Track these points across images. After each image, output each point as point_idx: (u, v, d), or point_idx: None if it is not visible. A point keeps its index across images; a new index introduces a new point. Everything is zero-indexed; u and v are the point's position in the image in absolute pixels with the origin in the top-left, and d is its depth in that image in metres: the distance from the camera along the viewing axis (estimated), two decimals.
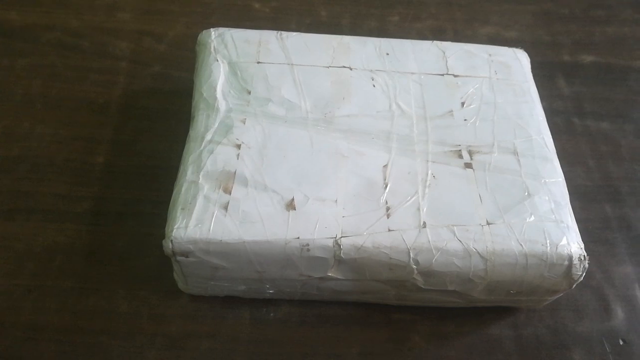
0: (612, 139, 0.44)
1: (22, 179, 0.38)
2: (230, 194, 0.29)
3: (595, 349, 0.33)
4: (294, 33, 0.38)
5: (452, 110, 0.35)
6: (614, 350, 0.34)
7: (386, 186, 0.31)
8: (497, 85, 0.36)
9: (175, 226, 0.28)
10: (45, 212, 0.36)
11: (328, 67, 0.36)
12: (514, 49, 0.39)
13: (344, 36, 0.38)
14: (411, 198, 0.30)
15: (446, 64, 0.37)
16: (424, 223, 0.29)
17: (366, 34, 0.39)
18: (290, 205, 0.29)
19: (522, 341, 0.33)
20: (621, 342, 0.34)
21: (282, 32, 0.38)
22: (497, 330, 0.34)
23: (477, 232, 0.29)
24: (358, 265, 0.29)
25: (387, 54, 0.37)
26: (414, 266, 0.29)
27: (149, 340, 0.32)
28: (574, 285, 0.30)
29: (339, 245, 0.28)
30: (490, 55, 0.38)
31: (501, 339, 0.33)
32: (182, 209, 0.29)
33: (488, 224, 0.30)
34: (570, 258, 0.29)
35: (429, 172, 0.32)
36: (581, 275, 0.30)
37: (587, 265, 0.29)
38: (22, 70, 0.44)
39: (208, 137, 0.32)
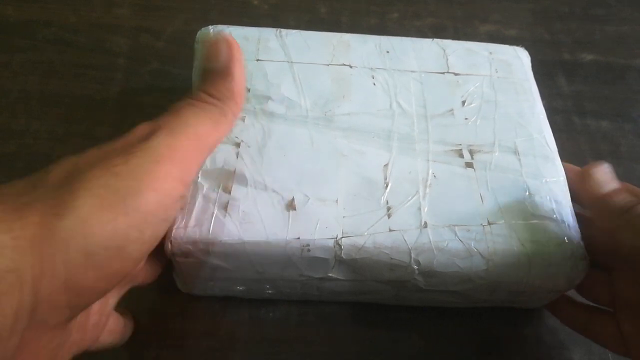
0: (612, 138, 0.44)
1: (18, 176, 0.37)
2: (229, 193, 0.29)
3: (595, 348, 0.33)
4: (294, 31, 0.37)
5: (452, 109, 0.34)
6: None
7: (387, 186, 0.30)
8: (498, 84, 0.36)
9: (175, 226, 0.28)
10: None
11: (328, 65, 0.36)
12: (515, 47, 0.39)
13: (343, 34, 0.38)
14: (412, 198, 0.30)
15: (447, 62, 0.37)
16: (425, 223, 0.29)
17: (365, 32, 0.39)
18: (291, 206, 0.29)
19: (522, 341, 0.33)
20: None
21: (282, 29, 0.37)
22: (497, 330, 0.34)
23: (479, 232, 0.29)
24: (359, 265, 0.29)
25: (388, 51, 0.37)
26: (415, 267, 0.28)
27: (148, 339, 0.32)
28: (575, 285, 0.30)
29: (340, 246, 0.28)
30: (491, 53, 0.38)
31: (501, 339, 0.33)
32: (181, 208, 0.28)
33: (489, 224, 0.29)
34: (571, 258, 0.29)
35: (430, 171, 0.31)
36: (582, 275, 0.29)
37: (588, 265, 0.29)
38: (19, 66, 0.43)
39: None
